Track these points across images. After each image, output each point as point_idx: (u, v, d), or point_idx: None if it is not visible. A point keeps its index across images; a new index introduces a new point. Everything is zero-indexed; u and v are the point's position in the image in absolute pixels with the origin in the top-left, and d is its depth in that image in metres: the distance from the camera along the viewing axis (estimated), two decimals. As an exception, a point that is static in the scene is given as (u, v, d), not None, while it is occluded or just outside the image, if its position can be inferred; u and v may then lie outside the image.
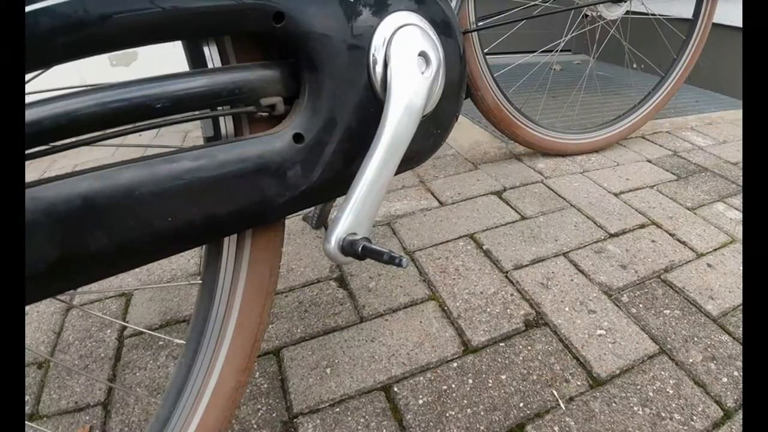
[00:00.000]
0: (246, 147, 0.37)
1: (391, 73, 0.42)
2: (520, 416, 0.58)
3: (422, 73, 0.44)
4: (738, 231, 0.93)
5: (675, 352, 0.66)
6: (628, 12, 1.19)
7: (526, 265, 0.83)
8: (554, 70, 2.08)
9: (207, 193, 0.36)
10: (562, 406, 0.59)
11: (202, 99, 0.36)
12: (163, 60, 1.05)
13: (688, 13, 1.29)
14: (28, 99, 0.29)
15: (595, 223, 0.95)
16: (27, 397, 0.62)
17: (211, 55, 0.38)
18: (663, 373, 0.63)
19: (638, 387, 0.61)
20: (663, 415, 0.57)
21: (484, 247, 0.88)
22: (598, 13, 1.15)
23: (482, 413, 0.58)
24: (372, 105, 0.43)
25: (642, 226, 0.94)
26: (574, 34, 1.36)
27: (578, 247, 0.88)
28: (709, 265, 0.83)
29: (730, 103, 1.71)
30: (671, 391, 0.60)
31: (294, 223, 0.98)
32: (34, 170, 1.34)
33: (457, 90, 0.52)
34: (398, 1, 0.44)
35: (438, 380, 0.62)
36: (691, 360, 0.65)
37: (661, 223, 0.95)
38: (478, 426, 0.57)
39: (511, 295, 0.77)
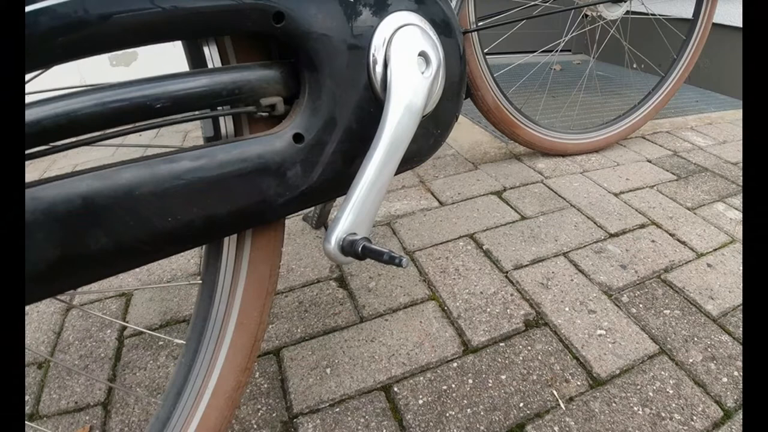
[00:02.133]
0: (246, 147, 0.37)
1: (391, 73, 0.42)
2: (520, 416, 0.58)
3: (422, 73, 0.44)
4: (738, 231, 0.93)
5: (675, 352, 0.66)
6: (628, 12, 1.19)
7: (526, 265, 0.83)
8: (554, 70, 2.08)
9: (207, 193, 0.36)
10: (562, 406, 0.59)
11: (202, 99, 0.36)
12: (163, 60, 1.05)
13: (688, 13, 1.29)
14: (28, 99, 0.29)
15: (595, 223, 0.95)
16: (27, 397, 0.62)
17: (211, 55, 0.38)
18: (663, 373, 0.63)
19: (638, 387, 0.61)
20: (663, 415, 0.57)
21: (484, 247, 0.88)
22: (598, 13, 1.15)
23: (482, 413, 0.58)
24: (372, 105, 0.43)
25: (642, 226, 0.94)
26: (574, 34, 1.36)
27: (578, 247, 0.88)
28: (709, 265, 0.83)
29: (730, 103, 1.71)
30: (671, 391, 0.60)
31: (294, 223, 0.98)
32: (34, 170, 1.34)
33: (457, 90, 0.52)
34: (398, 1, 0.44)
35: (438, 380, 0.62)
36: (691, 360, 0.65)
37: (661, 223, 0.95)
38: (478, 426, 0.57)
39: (511, 295, 0.77)
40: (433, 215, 0.99)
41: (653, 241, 0.90)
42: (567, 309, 0.73)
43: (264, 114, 0.40)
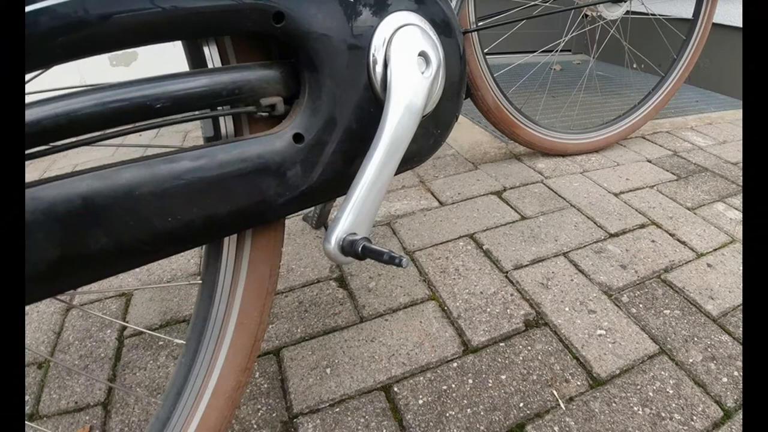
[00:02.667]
0: (246, 147, 0.37)
1: (391, 73, 0.42)
2: (520, 416, 0.58)
3: (422, 73, 0.44)
4: (738, 231, 0.93)
5: (675, 352, 0.66)
6: (628, 12, 1.19)
7: (526, 265, 0.83)
8: (554, 70, 2.08)
9: (207, 193, 0.36)
10: (562, 406, 0.59)
11: (202, 99, 0.36)
12: (163, 60, 1.05)
13: (688, 13, 1.29)
14: (28, 99, 0.29)
15: (595, 223, 0.95)
16: (27, 397, 0.62)
17: (211, 55, 0.38)
18: (663, 373, 0.63)
19: (638, 387, 0.61)
20: (663, 415, 0.57)
21: (484, 247, 0.88)
22: (598, 13, 1.15)
23: (482, 413, 0.58)
24: (372, 105, 0.43)
25: (642, 226, 0.94)
26: (574, 34, 1.36)
27: (578, 247, 0.88)
28: (709, 265, 0.83)
29: (730, 103, 1.71)
30: (671, 391, 0.60)
31: (294, 223, 0.98)
32: (34, 170, 1.34)
33: (457, 90, 0.52)
34: (398, 1, 0.44)
35: (438, 380, 0.62)
36: (691, 360, 0.65)
37: (661, 223, 0.95)
38: (478, 426, 0.57)
39: (511, 295, 0.77)
40: (433, 215, 0.99)
41: (653, 241, 0.90)
42: (567, 309, 0.73)
43: (264, 114, 0.40)
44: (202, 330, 0.45)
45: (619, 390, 0.60)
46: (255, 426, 0.57)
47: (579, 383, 0.62)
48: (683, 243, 0.89)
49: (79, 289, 0.68)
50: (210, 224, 0.37)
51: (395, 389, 0.61)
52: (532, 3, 1.19)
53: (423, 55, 0.44)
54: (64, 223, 0.30)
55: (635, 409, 0.58)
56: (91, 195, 0.31)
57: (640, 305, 0.74)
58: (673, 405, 0.58)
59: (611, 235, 0.91)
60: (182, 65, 0.39)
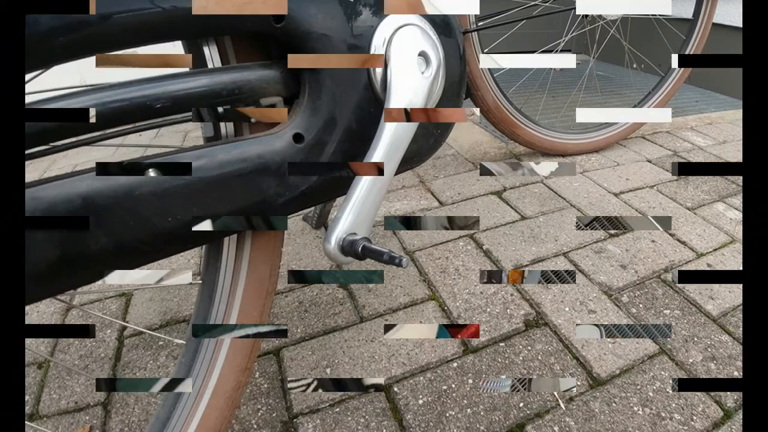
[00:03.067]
0: (246, 147, 0.37)
1: (391, 73, 0.42)
2: (520, 416, 0.58)
3: (422, 73, 0.44)
4: (738, 231, 0.93)
5: (675, 352, 0.66)
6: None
7: (526, 265, 0.83)
8: (554, 70, 2.08)
9: (207, 192, 0.36)
10: (562, 406, 0.59)
11: (202, 99, 0.36)
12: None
13: (688, 13, 1.29)
14: (28, 99, 0.29)
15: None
16: (27, 397, 0.62)
17: (211, 55, 0.38)
18: (663, 373, 0.63)
19: (638, 387, 0.61)
20: (663, 415, 0.57)
21: (484, 247, 0.88)
22: (598, 13, 1.15)
23: (482, 413, 0.58)
24: (372, 105, 0.43)
25: (642, 226, 0.94)
26: (574, 34, 1.35)
27: (578, 247, 0.88)
28: (709, 265, 0.83)
29: (730, 103, 1.71)
30: (671, 391, 0.60)
31: (294, 223, 0.98)
32: (34, 170, 1.34)
33: (457, 90, 0.52)
34: (398, 1, 0.44)
35: (438, 380, 0.62)
36: (691, 360, 0.65)
37: (661, 223, 0.95)
38: (478, 426, 0.57)
39: (511, 295, 0.77)
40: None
41: (653, 241, 0.90)
42: (567, 309, 0.73)
43: (264, 114, 0.40)
44: (202, 330, 0.45)
45: (619, 390, 0.60)
46: (255, 426, 0.57)
47: (579, 383, 0.62)
48: (683, 243, 0.89)
49: (79, 289, 0.68)
50: (210, 224, 0.37)
51: (395, 389, 0.61)
52: (532, 3, 1.19)
53: (423, 55, 0.44)
54: (64, 223, 0.30)
55: (635, 409, 0.58)
56: (91, 195, 0.31)
57: (640, 305, 0.74)
58: (673, 405, 0.58)
59: (611, 235, 0.91)
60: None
